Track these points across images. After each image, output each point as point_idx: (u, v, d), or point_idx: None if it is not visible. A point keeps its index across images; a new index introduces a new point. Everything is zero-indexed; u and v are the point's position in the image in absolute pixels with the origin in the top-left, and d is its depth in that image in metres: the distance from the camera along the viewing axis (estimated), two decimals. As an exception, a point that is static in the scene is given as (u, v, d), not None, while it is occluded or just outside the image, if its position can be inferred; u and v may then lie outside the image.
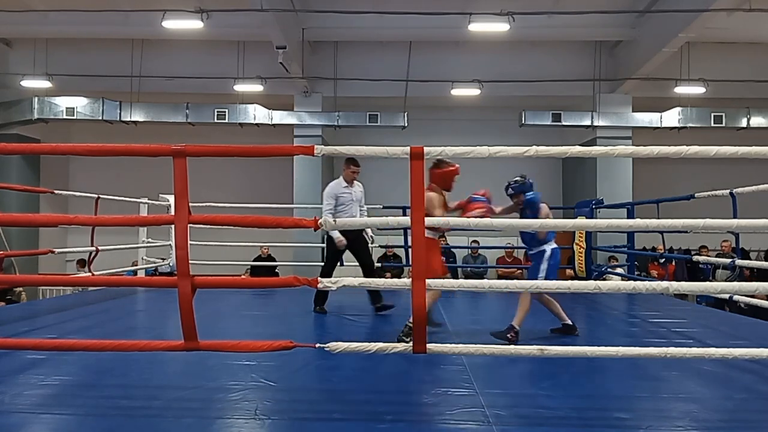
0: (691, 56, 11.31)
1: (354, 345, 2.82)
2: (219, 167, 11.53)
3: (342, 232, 5.57)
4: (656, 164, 12.85)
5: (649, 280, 8.34)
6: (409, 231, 2.80)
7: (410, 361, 3.21)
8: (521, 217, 4.53)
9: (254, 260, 11.32)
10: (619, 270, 10.02)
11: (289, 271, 10.53)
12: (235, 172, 13.67)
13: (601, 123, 12.13)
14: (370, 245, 5.93)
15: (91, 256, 6.58)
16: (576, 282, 3.15)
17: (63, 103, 12.09)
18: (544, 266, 4.47)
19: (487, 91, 12.03)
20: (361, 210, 5.95)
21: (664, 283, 2.93)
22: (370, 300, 5.79)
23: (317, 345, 2.85)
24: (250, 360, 3.59)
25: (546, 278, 4.37)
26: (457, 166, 4.50)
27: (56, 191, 6.70)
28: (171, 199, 7.15)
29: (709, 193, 5.89)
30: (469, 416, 2.80)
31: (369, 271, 5.81)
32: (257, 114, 12.17)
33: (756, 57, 11.87)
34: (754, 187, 5.21)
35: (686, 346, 3.63)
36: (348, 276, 2.96)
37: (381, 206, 8.23)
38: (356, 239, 5.74)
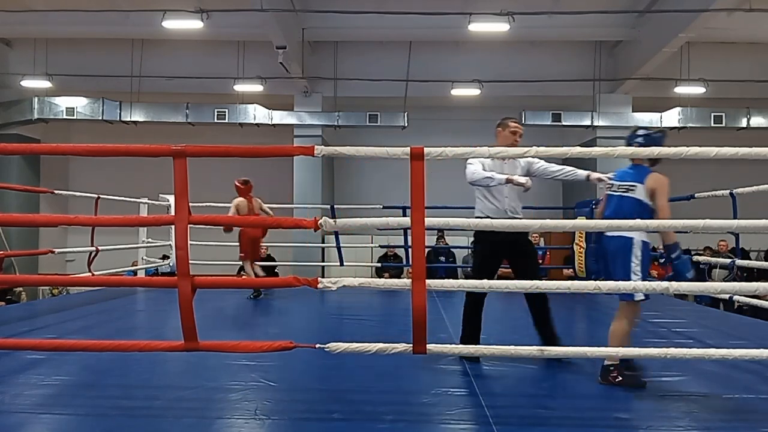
0: (691, 56, 11.30)
1: (354, 345, 2.81)
2: (219, 167, 11.51)
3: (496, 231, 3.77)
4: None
5: (649, 280, 8.33)
6: (409, 231, 2.79)
7: (410, 361, 3.20)
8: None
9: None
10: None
11: (288, 271, 10.53)
12: (235, 172, 13.60)
13: (601, 123, 12.12)
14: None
15: (91, 256, 6.58)
16: (576, 282, 3.15)
17: (63, 103, 12.09)
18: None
19: (487, 91, 12.03)
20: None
21: (664, 283, 2.93)
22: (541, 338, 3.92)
23: (317, 345, 2.85)
24: (250, 360, 3.59)
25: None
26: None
27: (56, 191, 6.70)
28: (171, 199, 7.16)
29: (709, 193, 5.89)
30: (469, 416, 2.80)
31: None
32: (257, 114, 12.16)
33: (756, 57, 11.86)
34: (754, 187, 5.22)
35: (686, 346, 3.63)
36: (348, 276, 2.96)
37: (381, 206, 8.23)
38: (515, 241, 3.92)
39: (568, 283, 3.02)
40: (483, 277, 3.53)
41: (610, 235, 3.33)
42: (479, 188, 3.94)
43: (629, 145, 3.44)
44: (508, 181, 3.73)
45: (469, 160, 3.84)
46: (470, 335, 3.91)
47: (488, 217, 3.86)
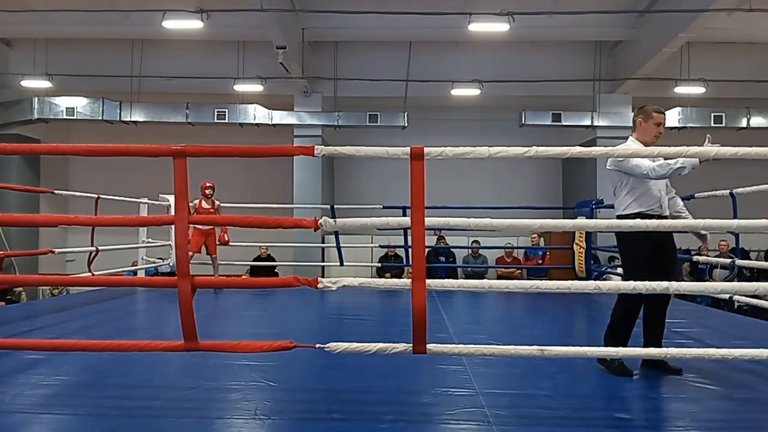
0: (691, 56, 11.31)
1: (354, 345, 2.81)
2: (219, 167, 11.52)
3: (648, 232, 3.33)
4: (656, 164, 12.83)
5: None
6: (409, 231, 2.79)
7: (410, 361, 3.20)
8: None
9: (254, 260, 11.33)
10: (619, 270, 10.00)
11: (288, 271, 10.53)
12: (235, 172, 13.63)
13: (601, 123, 12.13)
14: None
15: (91, 256, 6.58)
16: (576, 282, 3.14)
17: (63, 103, 12.09)
18: None
19: (487, 91, 12.03)
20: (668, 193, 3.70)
21: (664, 283, 2.93)
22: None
23: (317, 345, 2.85)
24: (250, 360, 3.59)
25: None
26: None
27: (56, 191, 6.70)
28: (171, 199, 7.16)
29: (709, 193, 5.88)
30: (469, 416, 2.80)
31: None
32: (257, 114, 12.17)
33: (756, 57, 11.86)
34: (754, 187, 5.22)
35: (686, 346, 3.63)
36: (348, 276, 2.96)
37: (381, 206, 8.23)
38: (665, 242, 3.57)
39: (568, 283, 3.02)
40: (651, 278, 3.02)
41: None
42: (638, 183, 3.46)
43: None
44: (702, 161, 3.23)
45: (634, 160, 3.36)
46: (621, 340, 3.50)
47: (648, 215, 3.45)
